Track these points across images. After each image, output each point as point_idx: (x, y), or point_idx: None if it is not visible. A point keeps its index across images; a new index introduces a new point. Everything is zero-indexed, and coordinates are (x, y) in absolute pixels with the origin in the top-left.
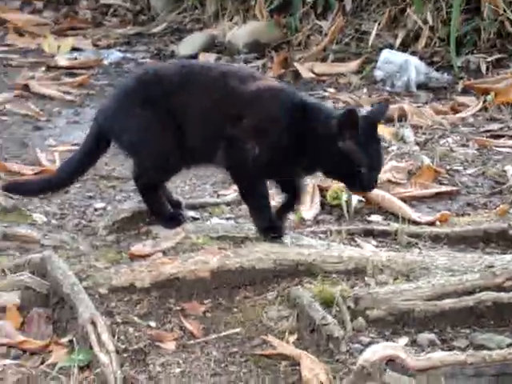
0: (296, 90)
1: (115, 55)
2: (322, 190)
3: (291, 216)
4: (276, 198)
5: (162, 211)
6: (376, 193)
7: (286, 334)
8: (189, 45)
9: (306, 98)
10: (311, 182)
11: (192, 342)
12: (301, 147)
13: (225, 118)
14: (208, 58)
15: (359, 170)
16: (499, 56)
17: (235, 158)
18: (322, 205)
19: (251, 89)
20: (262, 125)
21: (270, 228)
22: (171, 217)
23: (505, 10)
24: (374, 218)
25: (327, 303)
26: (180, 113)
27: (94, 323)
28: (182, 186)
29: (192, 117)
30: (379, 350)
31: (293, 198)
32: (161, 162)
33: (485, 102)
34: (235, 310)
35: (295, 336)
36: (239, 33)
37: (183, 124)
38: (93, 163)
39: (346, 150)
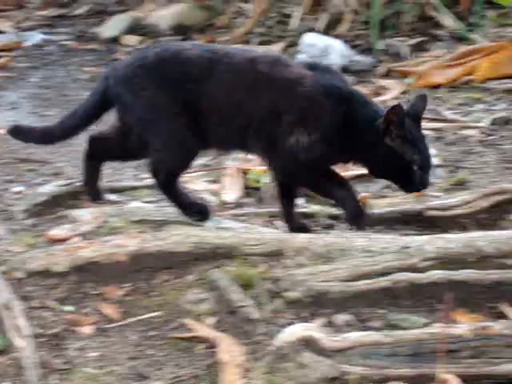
0: (336, 79)
1: (37, 37)
2: (245, 173)
3: (213, 199)
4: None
5: (188, 202)
6: None
7: (205, 316)
8: (111, 27)
9: (349, 88)
10: (233, 165)
11: (110, 326)
12: (345, 141)
13: (260, 109)
14: (130, 40)
15: (411, 169)
16: (420, 39)
17: (285, 158)
18: (244, 188)
19: (288, 77)
20: (309, 114)
21: (359, 214)
22: (199, 208)
23: None
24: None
25: (246, 285)
26: (201, 99)
27: (9, 308)
28: (102, 168)
29: (218, 105)
30: (296, 331)
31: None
32: (173, 144)
33: (406, 85)
34: (154, 293)
35: (214, 318)
36: (163, 15)
37: (203, 110)
38: (94, 121)
39: (396, 148)
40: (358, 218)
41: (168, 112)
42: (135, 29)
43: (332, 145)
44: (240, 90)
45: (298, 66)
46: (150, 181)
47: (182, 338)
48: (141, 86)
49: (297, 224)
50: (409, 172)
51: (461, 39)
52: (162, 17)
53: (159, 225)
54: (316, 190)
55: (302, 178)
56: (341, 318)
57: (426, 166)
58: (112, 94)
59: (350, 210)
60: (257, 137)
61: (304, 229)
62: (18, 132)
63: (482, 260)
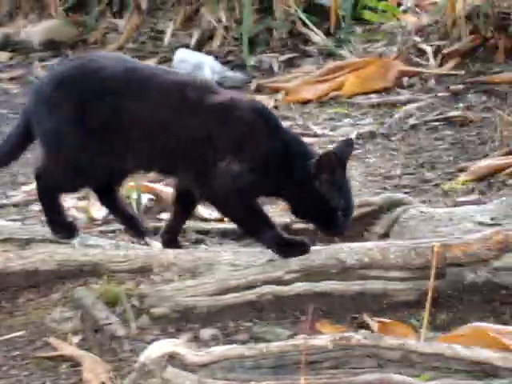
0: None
1: None
2: None
3: (81, 216)
4: None
5: (58, 219)
6: (166, 190)
7: (70, 335)
8: None
9: (277, 119)
10: None
11: None
12: (275, 174)
13: (189, 132)
14: (1, 57)
15: (334, 213)
16: (291, 55)
17: (216, 184)
18: None
19: (217, 102)
20: (245, 140)
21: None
22: (66, 226)
23: (296, 10)
24: (165, 215)
25: (112, 303)
26: (121, 115)
27: None
28: None
29: (138, 123)
30: (160, 346)
31: (187, 209)
32: (73, 164)
33: (276, 100)
34: (18, 312)
35: (79, 337)
36: (34, 31)
37: (123, 127)
38: (33, 139)
39: (323, 192)
40: (286, 250)
41: (80, 127)
42: (6, 45)
43: (264, 175)
44: (165, 109)
45: (226, 91)
46: (17, 198)
47: (46, 358)
48: (56, 100)
49: (170, 240)
50: (332, 216)
51: (330, 55)
52: (33, 33)
53: (25, 243)
54: (241, 224)
55: (229, 208)
56: (207, 332)
57: (349, 212)
58: (29, 110)
59: (275, 248)
60: (187, 162)
61: (175, 244)
62: None
63: (344, 271)
